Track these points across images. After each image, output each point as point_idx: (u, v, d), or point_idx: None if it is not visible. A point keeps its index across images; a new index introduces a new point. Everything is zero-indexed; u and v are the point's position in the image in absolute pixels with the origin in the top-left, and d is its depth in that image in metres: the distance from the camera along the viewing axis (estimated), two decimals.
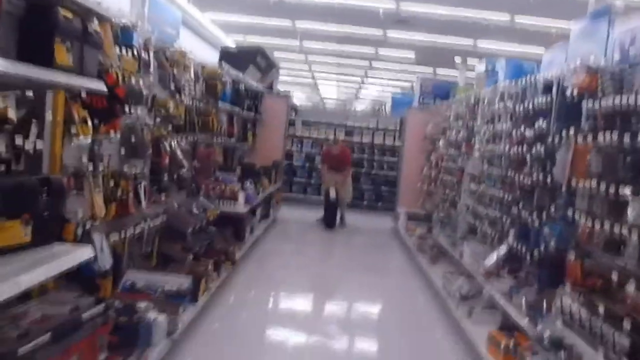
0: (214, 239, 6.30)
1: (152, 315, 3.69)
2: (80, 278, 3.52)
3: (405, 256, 8.69)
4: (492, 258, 5.39)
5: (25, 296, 2.77)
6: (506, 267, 5.27)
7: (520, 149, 5.06)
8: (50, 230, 2.51)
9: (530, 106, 4.88)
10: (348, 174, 11.27)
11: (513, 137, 5.30)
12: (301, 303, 5.97)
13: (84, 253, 2.48)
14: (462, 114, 7.88)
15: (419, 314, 6.11)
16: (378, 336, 5.36)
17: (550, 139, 4.40)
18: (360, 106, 28.37)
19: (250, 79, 9.14)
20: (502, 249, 5.32)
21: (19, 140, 2.82)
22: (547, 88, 4.58)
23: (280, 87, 14.05)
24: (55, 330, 2.18)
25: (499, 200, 5.72)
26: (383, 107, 21.68)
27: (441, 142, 9.17)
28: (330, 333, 5.17)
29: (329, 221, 10.65)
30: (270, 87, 11.43)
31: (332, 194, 10.70)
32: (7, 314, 2.32)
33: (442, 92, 11.00)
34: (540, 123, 4.60)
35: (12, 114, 2.73)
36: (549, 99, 4.50)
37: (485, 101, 6.60)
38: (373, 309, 6.37)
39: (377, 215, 12.37)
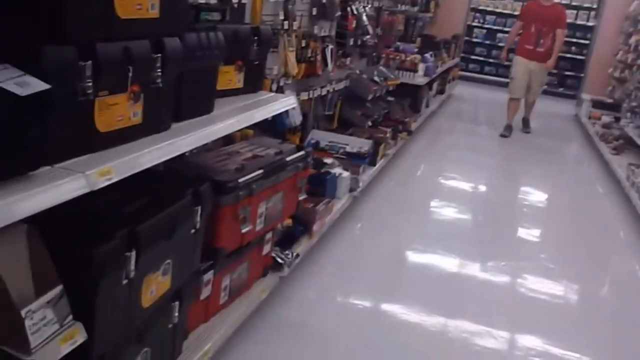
0: (391, 109, 6.38)
1: (337, 170, 3.93)
2: (273, 131, 3.81)
3: (586, 145, 8.22)
4: None
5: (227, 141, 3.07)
6: None
7: None
8: (258, 78, 2.70)
9: None
10: (555, 51, 7.69)
11: None
12: (469, 184, 5.93)
13: (290, 101, 2.65)
14: None
15: (597, 203, 5.87)
16: (550, 222, 5.24)
17: None
18: None
19: None
20: None
21: None
22: None
23: None
24: (265, 168, 2.41)
25: None
26: None
27: None
28: (497, 215, 5.16)
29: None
30: None
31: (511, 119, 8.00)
32: (223, 151, 2.60)
33: None
34: None
35: None
36: None
37: None
38: (547, 195, 6.19)
39: (558, 101, 11.65)
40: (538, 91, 8.12)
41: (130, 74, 1.61)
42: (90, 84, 1.45)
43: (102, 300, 1.51)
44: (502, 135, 7.89)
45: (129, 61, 1.59)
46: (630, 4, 9.42)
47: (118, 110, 1.61)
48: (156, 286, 1.75)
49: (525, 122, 8.35)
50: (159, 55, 1.71)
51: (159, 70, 1.72)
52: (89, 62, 1.44)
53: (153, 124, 1.79)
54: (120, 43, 1.56)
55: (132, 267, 1.57)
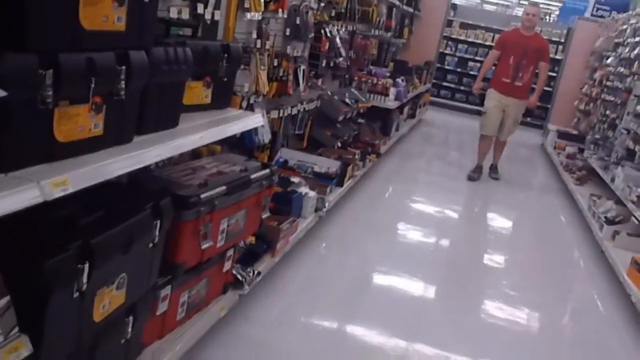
0: (361, 131, 6.43)
1: (303, 189, 3.94)
2: (241, 147, 3.80)
3: (551, 174, 8.38)
4: None
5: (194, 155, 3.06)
6: None
7: None
8: (226, 95, 2.70)
9: None
10: (540, 86, 7.24)
11: None
12: (436, 208, 5.97)
13: (256, 119, 2.65)
14: None
15: (558, 231, 5.97)
16: (514, 249, 5.29)
17: None
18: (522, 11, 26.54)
19: None
20: None
21: (199, 9, 3.00)
22: None
23: None
24: (229, 184, 2.40)
25: None
26: (548, 16, 20.10)
27: (610, 59, 8.48)
28: (462, 240, 5.21)
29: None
30: None
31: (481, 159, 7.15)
32: (188, 165, 2.58)
33: (620, 2, 10.01)
34: None
35: None
36: None
37: None
38: (510, 222, 6.28)
39: (525, 130, 11.84)
40: (511, 130, 7.18)
41: (93, 85, 1.60)
42: (50, 93, 1.44)
43: (51, 313, 1.48)
44: (470, 178, 7.05)
45: (91, 72, 1.58)
46: (596, 40, 9.70)
47: (79, 120, 1.60)
48: (109, 300, 1.72)
49: (493, 168, 7.34)
50: (124, 67, 1.71)
51: (123, 82, 1.72)
52: (50, 71, 1.42)
53: (115, 136, 1.77)
54: (83, 54, 1.55)
55: (85, 280, 1.54)
